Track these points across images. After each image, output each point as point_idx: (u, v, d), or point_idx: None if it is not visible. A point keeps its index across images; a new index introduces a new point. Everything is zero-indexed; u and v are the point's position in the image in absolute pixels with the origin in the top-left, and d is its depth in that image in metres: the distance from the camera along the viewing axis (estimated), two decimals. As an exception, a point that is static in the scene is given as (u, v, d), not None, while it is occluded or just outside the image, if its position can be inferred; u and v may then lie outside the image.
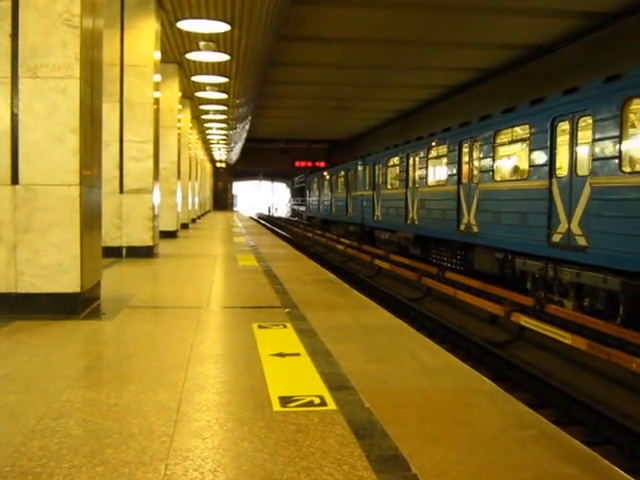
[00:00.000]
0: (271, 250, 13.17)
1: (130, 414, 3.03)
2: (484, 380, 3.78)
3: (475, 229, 13.26)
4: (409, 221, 17.99)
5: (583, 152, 9.92)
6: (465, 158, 14.16)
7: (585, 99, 9.69)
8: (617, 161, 8.83)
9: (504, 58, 20.72)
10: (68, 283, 5.22)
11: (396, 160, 19.84)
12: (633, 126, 8.98)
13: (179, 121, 16.75)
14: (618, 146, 8.82)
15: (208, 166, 43.42)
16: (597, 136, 9.27)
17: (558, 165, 10.46)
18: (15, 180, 5.19)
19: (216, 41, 13.00)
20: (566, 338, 7.89)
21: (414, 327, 6.46)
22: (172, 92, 15.38)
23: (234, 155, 47.57)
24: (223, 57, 14.23)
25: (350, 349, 4.38)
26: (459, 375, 3.86)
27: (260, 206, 71.43)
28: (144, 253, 10.26)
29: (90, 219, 5.61)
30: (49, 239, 5.20)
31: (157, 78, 10.94)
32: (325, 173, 33.46)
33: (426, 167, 16.74)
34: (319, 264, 11.26)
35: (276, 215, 66.84)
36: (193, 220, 24.07)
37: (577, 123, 9.95)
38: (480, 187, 13.00)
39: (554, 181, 10.44)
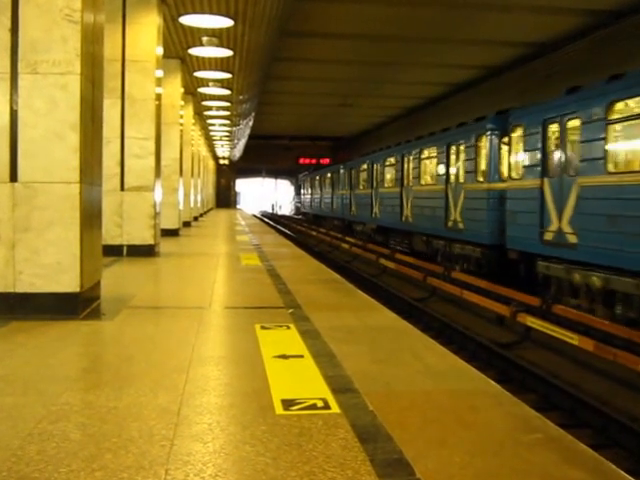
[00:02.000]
0: (275, 249, 13.13)
1: (130, 417, 2.99)
2: (489, 382, 3.75)
3: (410, 220, 18.66)
4: (373, 215, 23.20)
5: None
6: (407, 166, 19.18)
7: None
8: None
9: (509, 56, 20.70)
10: (67, 283, 5.16)
11: (365, 166, 24.81)
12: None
13: (181, 117, 16.70)
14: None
15: (211, 163, 43.40)
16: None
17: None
18: (14, 178, 5.13)
19: (219, 36, 12.92)
20: (573, 339, 7.84)
21: (420, 328, 6.42)
22: (174, 88, 15.30)
23: (237, 152, 47.52)
24: (226, 52, 14.16)
25: (354, 350, 4.34)
26: (464, 377, 3.82)
27: (263, 204, 71.38)
28: (145, 252, 10.19)
29: (90, 217, 5.55)
30: (48, 238, 5.14)
31: (159, 74, 10.88)
32: (316, 174, 38.74)
33: (383, 173, 21.86)
34: (323, 263, 11.21)
35: (280, 213, 66.78)
36: (195, 218, 24.05)
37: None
38: (414, 189, 18.50)
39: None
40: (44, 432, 2.78)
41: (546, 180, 10.99)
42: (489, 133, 13.44)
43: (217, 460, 2.53)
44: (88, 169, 5.42)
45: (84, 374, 3.95)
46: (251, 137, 40.33)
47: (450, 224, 15.00)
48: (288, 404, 3.18)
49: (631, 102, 9.09)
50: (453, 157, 15.38)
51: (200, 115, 24.56)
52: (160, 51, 10.95)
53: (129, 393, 3.35)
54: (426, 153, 17.51)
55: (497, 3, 15.65)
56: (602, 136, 9.21)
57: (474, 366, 4.28)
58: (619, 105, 9.18)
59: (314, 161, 50.80)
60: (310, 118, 37.61)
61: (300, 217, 54.01)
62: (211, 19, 11.66)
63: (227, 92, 19.27)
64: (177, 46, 14.02)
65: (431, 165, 17.18)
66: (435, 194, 16.13)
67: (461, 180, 14.68)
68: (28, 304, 5.13)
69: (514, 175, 12.22)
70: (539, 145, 11.19)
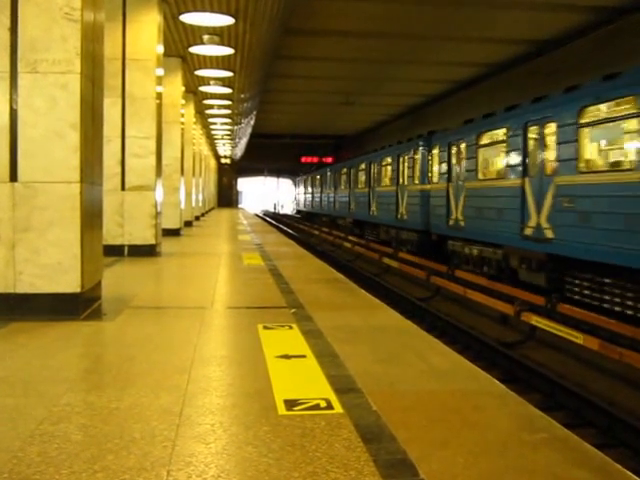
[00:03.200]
0: (277, 248, 13.10)
1: (131, 418, 2.98)
2: (494, 382, 3.74)
3: (375, 214, 22.95)
4: (351, 211, 27.36)
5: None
6: (373, 171, 23.44)
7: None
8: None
9: (511, 53, 20.67)
10: (68, 283, 5.14)
11: (345, 170, 29.12)
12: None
13: (182, 116, 16.65)
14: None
15: (212, 162, 43.37)
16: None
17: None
18: (14, 177, 5.11)
19: (220, 34, 12.88)
20: (578, 338, 7.81)
21: (423, 327, 6.39)
22: (175, 86, 15.27)
23: (239, 151, 47.49)
24: (227, 51, 14.11)
25: (357, 350, 4.32)
26: (468, 377, 3.81)
27: (265, 203, 71.32)
28: (146, 252, 10.16)
29: (91, 217, 5.53)
30: (49, 238, 5.12)
31: (160, 72, 10.85)
32: (309, 176, 43.12)
33: (357, 176, 26.20)
34: (326, 263, 11.19)
35: (282, 212, 66.75)
36: (197, 218, 24.04)
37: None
38: (377, 190, 22.85)
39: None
40: (45, 433, 2.78)
41: (451, 184, 15.44)
42: (421, 148, 17.73)
43: (219, 461, 2.52)
44: (88, 168, 5.39)
45: (85, 375, 3.93)
46: (253, 136, 40.33)
47: (399, 216, 19.47)
48: (291, 404, 3.17)
49: (489, 135, 13.74)
50: (401, 165, 19.63)
51: (201, 114, 24.53)
52: (161, 49, 10.92)
53: (131, 394, 3.34)
54: (385, 161, 21.75)
55: (499, 0, 15.61)
56: (474, 155, 14.10)
57: (478, 366, 4.27)
58: (485, 135, 13.86)
59: (316, 160, 50.71)
60: (312, 116, 37.58)
61: (298, 215, 54.68)
62: (212, 17, 11.62)
63: (228, 91, 19.24)
64: (178, 44, 13.99)
65: (388, 171, 21.37)
66: (390, 194, 20.43)
67: (405, 183, 19.06)
68: (28, 305, 5.11)
69: (434, 180, 16.90)
70: (446, 159, 15.76)
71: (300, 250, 13.28)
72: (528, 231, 11.30)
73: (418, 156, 17.79)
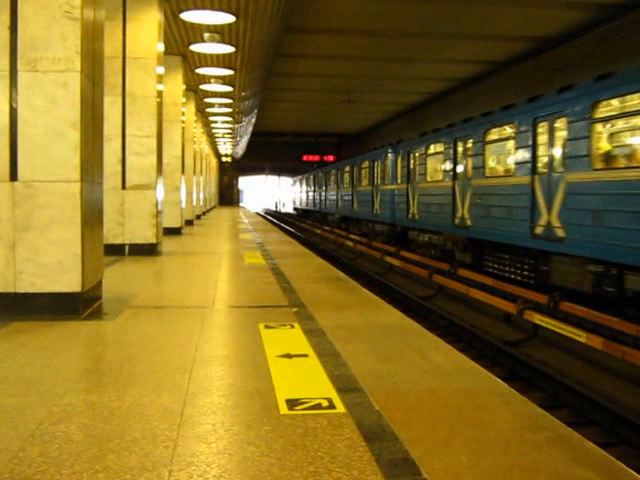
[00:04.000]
0: (278, 247, 13.07)
1: (132, 418, 2.98)
2: (497, 381, 3.73)
3: (357, 210, 26.59)
4: (338, 208, 31.60)
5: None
6: (355, 173, 27.27)
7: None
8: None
9: (514, 50, 20.60)
10: (68, 282, 5.12)
11: (334, 172, 33.26)
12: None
13: (183, 115, 16.62)
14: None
15: (213, 161, 43.34)
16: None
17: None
18: (14, 176, 5.09)
19: (221, 32, 12.86)
20: (581, 336, 7.79)
21: (426, 326, 6.37)
22: (176, 85, 15.24)
23: (240, 149, 47.47)
24: (228, 49, 14.09)
25: (359, 349, 4.31)
26: (471, 376, 3.80)
27: (267, 201, 71.27)
28: (147, 251, 10.14)
29: (91, 216, 5.51)
30: (49, 237, 5.10)
31: (160, 71, 10.83)
32: (304, 177, 47.59)
33: (343, 177, 30.21)
34: (328, 261, 11.17)
35: (283, 211, 66.72)
36: (198, 216, 24.03)
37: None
38: (358, 190, 26.69)
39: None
40: (46, 433, 2.78)
41: (410, 185, 18.71)
42: (389, 154, 21.20)
43: (221, 461, 2.52)
44: (89, 167, 5.37)
45: (86, 375, 3.92)
46: (254, 134, 40.29)
47: (374, 212, 23.01)
48: (293, 404, 3.16)
49: (432, 147, 16.97)
50: (376, 169, 23.19)
51: (202, 112, 24.52)
52: (161, 48, 10.89)
53: (132, 393, 3.33)
54: (364, 164, 25.40)
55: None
56: (424, 162, 17.51)
57: (481, 364, 4.26)
58: (431, 147, 17.12)
59: (317, 158, 50.66)
60: (313, 115, 37.54)
61: (295, 212, 56.47)
62: (212, 15, 11.59)
63: (229, 89, 19.22)
64: (178, 42, 13.97)
65: (366, 173, 24.78)
66: (368, 193, 23.98)
67: (379, 183, 22.55)
68: (29, 304, 5.10)
69: (398, 181, 20.23)
70: (405, 165, 19.29)
71: (302, 249, 13.25)
72: (457, 221, 14.66)
73: (387, 161, 21.38)
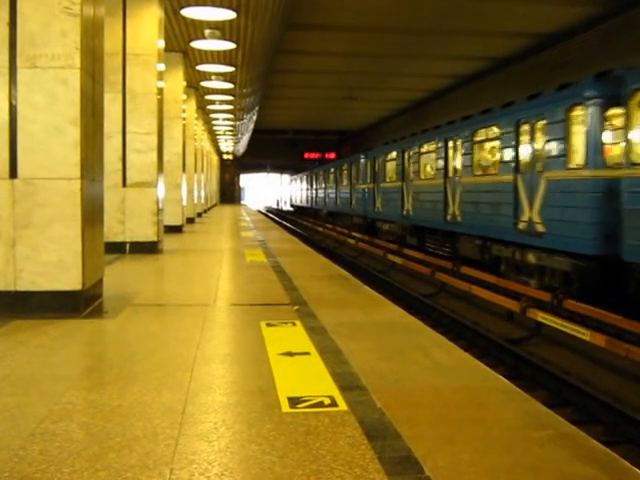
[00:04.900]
0: (280, 245, 13.06)
1: (133, 416, 2.97)
2: (500, 378, 3.73)
3: (339, 206, 31.55)
4: (326, 204, 36.40)
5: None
6: (337, 175, 32.58)
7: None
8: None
9: (516, 47, 20.58)
10: (69, 280, 5.10)
11: (321, 173, 38.56)
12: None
13: (184, 112, 16.58)
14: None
15: (214, 158, 43.32)
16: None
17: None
18: (14, 174, 5.07)
19: (222, 29, 12.82)
20: (584, 334, 7.76)
21: (428, 324, 6.35)
22: (176, 82, 15.20)
23: (241, 147, 47.47)
24: (229, 45, 14.06)
25: (361, 347, 4.30)
26: (474, 373, 3.79)
27: (268, 199, 71.25)
28: (148, 249, 10.11)
29: (92, 214, 5.49)
30: (49, 235, 5.08)
31: (161, 67, 10.79)
32: (300, 176, 51.00)
33: (328, 178, 35.18)
34: (330, 259, 11.15)
35: (285, 208, 66.75)
36: (199, 214, 24.02)
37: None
38: (339, 189, 32.07)
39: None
40: (46, 432, 2.77)
41: (375, 185, 23.51)
42: (362, 159, 25.89)
43: (223, 459, 2.51)
44: (89, 165, 5.35)
45: (87, 373, 3.91)
46: (255, 131, 40.28)
47: (352, 207, 27.71)
48: (294, 402, 3.15)
49: (391, 155, 22.04)
50: (352, 171, 27.83)
51: (203, 109, 24.49)
52: (161, 44, 10.86)
53: (133, 392, 3.32)
54: (344, 167, 30.16)
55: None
56: (384, 167, 22.43)
57: (484, 362, 4.27)
58: (390, 155, 22.00)
59: (319, 156, 50.63)
60: (315, 112, 37.54)
61: (292, 209, 58.10)
62: (213, 11, 11.57)
63: (230, 86, 19.19)
64: (179, 39, 13.94)
65: (345, 175, 29.85)
66: (347, 191, 28.94)
67: (355, 183, 27.07)
68: (29, 302, 5.08)
69: (367, 181, 24.72)
70: (377, 169, 23.49)
71: (303, 247, 13.24)
72: (404, 212, 19.61)
73: (360, 165, 26.14)
